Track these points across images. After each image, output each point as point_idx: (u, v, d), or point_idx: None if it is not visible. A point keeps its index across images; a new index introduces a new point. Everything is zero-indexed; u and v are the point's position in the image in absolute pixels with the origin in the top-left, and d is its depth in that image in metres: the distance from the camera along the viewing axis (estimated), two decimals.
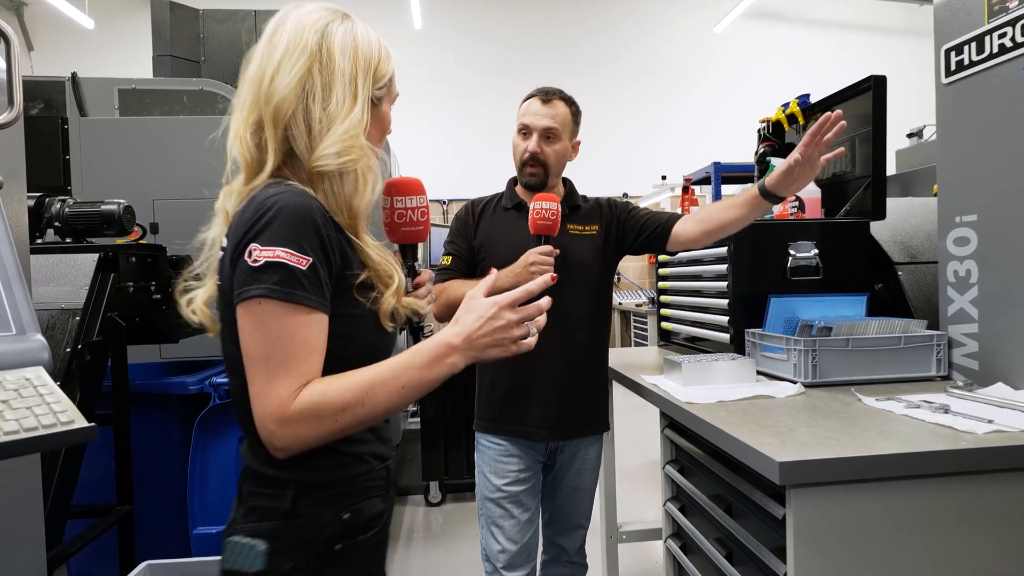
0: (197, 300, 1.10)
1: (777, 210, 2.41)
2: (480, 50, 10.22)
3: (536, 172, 2.06)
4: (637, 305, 8.46)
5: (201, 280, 1.12)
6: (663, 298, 2.97)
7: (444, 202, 9.90)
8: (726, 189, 4.86)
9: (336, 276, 1.02)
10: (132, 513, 2.49)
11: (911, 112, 4.86)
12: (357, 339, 1.06)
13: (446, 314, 1.94)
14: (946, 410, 1.47)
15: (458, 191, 9.73)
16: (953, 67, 1.90)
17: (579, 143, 2.15)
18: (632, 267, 9.99)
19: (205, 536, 2.69)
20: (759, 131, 2.93)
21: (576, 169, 2.18)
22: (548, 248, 1.91)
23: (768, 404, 1.66)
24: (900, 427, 1.39)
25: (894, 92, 2.31)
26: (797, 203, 2.36)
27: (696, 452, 1.85)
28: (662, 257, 2.90)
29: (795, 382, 1.85)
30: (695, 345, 2.70)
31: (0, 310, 1.03)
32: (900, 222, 2.40)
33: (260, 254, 0.94)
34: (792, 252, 2.20)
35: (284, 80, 1.02)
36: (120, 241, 2.77)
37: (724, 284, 2.31)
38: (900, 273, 2.25)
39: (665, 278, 2.96)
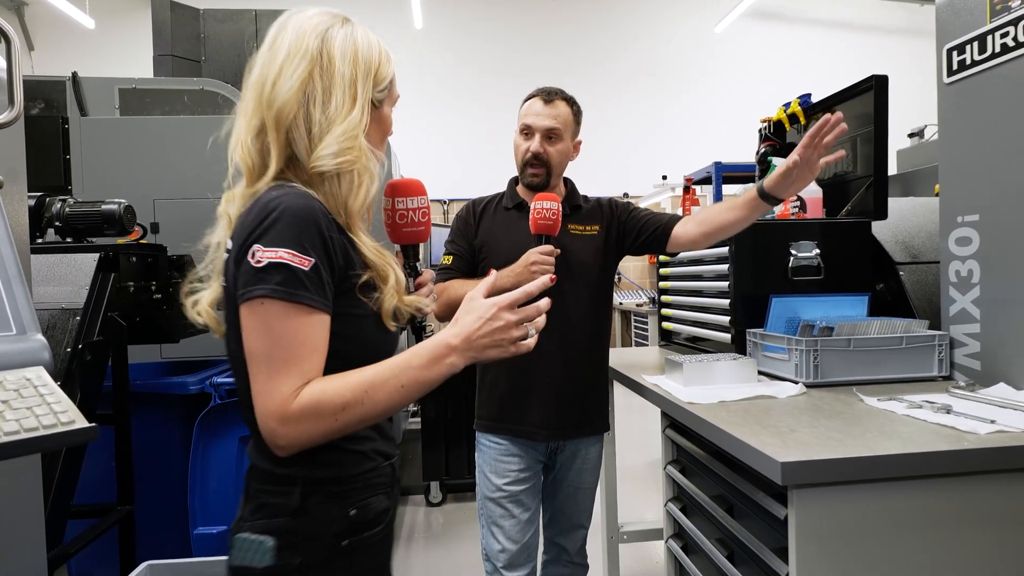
0: (202, 302, 1.11)
1: (778, 210, 2.41)
2: (480, 50, 10.22)
3: (538, 173, 2.06)
4: (638, 305, 8.46)
5: (206, 282, 1.13)
6: (664, 298, 2.97)
7: (445, 202, 9.90)
8: (727, 189, 4.86)
9: (339, 276, 1.04)
10: (133, 513, 2.49)
11: (912, 112, 4.87)
12: (361, 339, 1.07)
13: (447, 314, 1.94)
14: (948, 410, 1.47)
15: (458, 191, 9.73)
16: (955, 67, 1.90)
17: (580, 143, 2.15)
18: (633, 267, 9.99)
19: (206, 536, 2.69)
20: (760, 131, 2.93)
21: (576, 169, 2.18)
22: (549, 248, 1.91)
23: (770, 404, 1.66)
24: (902, 427, 1.39)
25: (895, 92, 2.31)
26: (798, 203, 2.36)
27: (697, 452, 1.85)
28: (663, 257, 2.89)
29: (796, 382, 1.85)
30: (696, 345, 2.70)
31: (0, 310, 1.03)
32: (901, 222, 2.40)
33: (263, 255, 0.96)
34: (793, 252, 2.19)
35: (286, 85, 1.04)
36: (121, 241, 2.77)
37: (725, 284, 2.31)
38: (901, 273, 2.24)
39: (666, 278, 2.95)
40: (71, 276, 2.33)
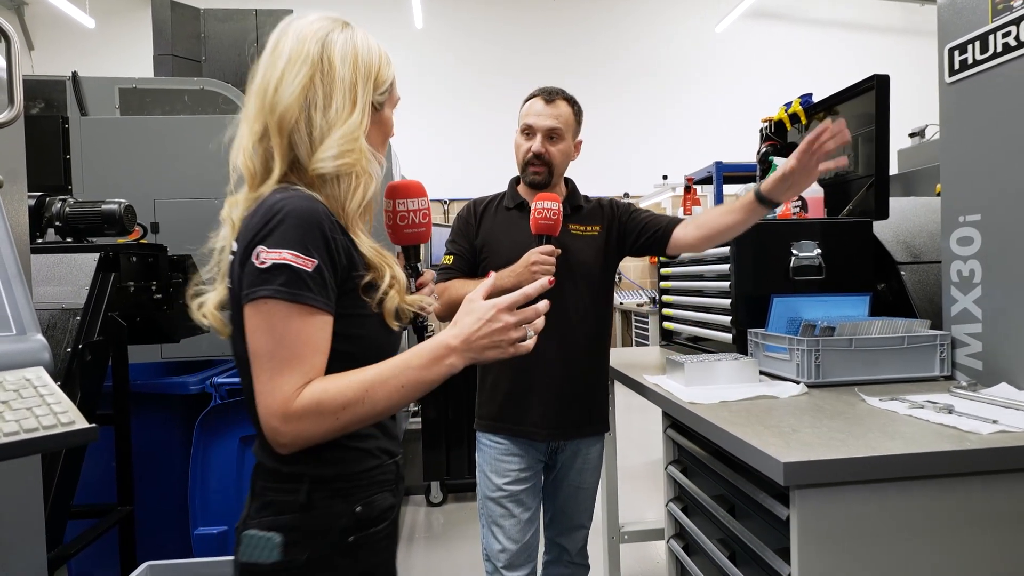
0: (208, 304, 1.13)
1: (780, 210, 2.40)
2: (481, 50, 10.22)
3: (540, 170, 2.06)
4: (638, 305, 8.46)
5: (211, 285, 1.15)
6: (665, 298, 2.96)
7: (445, 202, 9.90)
8: (728, 189, 4.85)
9: (342, 277, 1.05)
10: (133, 513, 2.49)
11: (912, 111, 4.86)
12: (365, 338, 1.09)
13: (448, 314, 1.94)
14: (950, 410, 1.47)
15: (459, 191, 9.73)
16: (957, 66, 1.89)
17: (581, 142, 2.15)
18: (633, 267, 9.98)
19: (206, 536, 2.68)
20: (761, 130, 2.93)
21: (577, 169, 2.18)
22: (550, 248, 1.91)
23: (771, 404, 1.65)
24: (904, 427, 1.39)
25: (895, 92, 2.30)
26: (800, 203, 2.35)
27: (699, 452, 1.84)
28: (663, 258, 2.89)
29: (798, 382, 1.84)
30: (697, 345, 2.69)
31: (0, 310, 1.02)
32: (903, 222, 2.39)
33: (267, 256, 0.97)
34: (795, 252, 2.19)
35: (288, 90, 1.06)
36: (121, 241, 2.77)
37: (726, 284, 2.31)
38: (903, 273, 2.24)
39: (667, 278, 2.95)
40: (71, 276, 2.32)
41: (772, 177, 1.75)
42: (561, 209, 1.91)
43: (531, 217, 1.91)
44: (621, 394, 2.62)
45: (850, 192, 2.43)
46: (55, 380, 0.97)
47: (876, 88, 2.28)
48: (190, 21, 4.25)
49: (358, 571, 1.10)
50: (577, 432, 2.10)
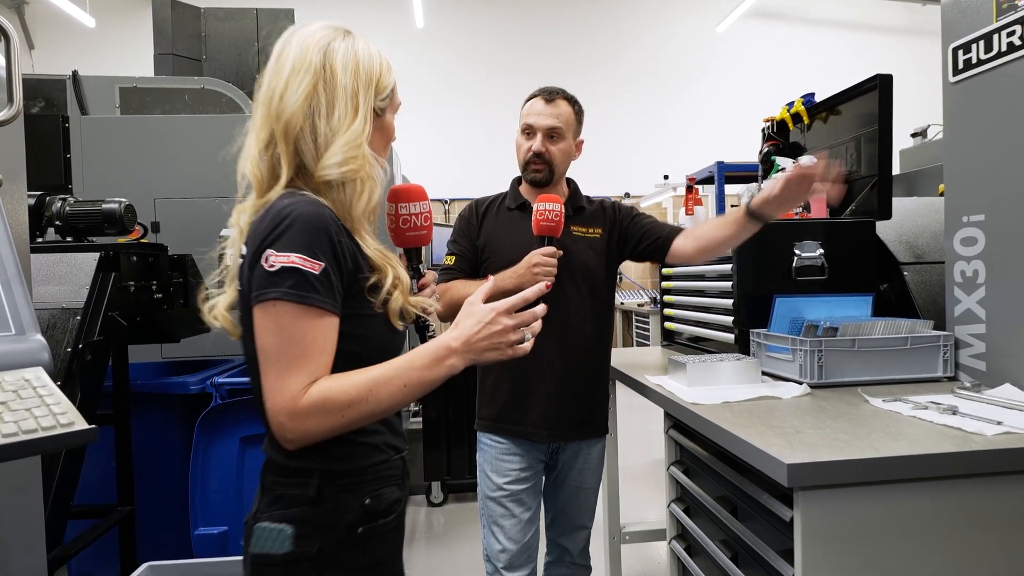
0: (219, 306, 1.16)
1: None
2: (481, 49, 10.21)
3: (541, 168, 2.06)
4: (639, 305, 8.46)
5: (222, 288, 1.19)
6: (667, 298, 2.96)
7: (446, 201, 9.90)
8: (729, 188, 4.85)
9: (348, 279, 1.09)
10: (133, 514, 2.48)
11: (913, 111, 4.85)
12: (370, 338, 1.12)
13: (449, 314, 1.93)
14: (954, 411, 1.46)
15: (459, 190, 9.72)
16: (961, 65, 1.88)
17: (582, 142, 2.15)
18: (634, 267, 9.97)
19: (207, 536, 2.67)
20: (763, 130, 2.92)
21: (578, 169, 2.18)
22: (551, 249, 1.90)
23: (774, 405, 1.65)
24: (908, 428, 1.38)
25: (897, 91, 2.30)
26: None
27: (701, 453, 1.84)
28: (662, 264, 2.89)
29: (801, 383, 1.83)
30: (699, 345, 2.68)
31: None
32: (905, 222, 2.38)
33: (276, 259, 1.01)
34: (797, 252, 2.18)
35: (292, 98, 1.09)
36: (121, 240, 2.76)
37: (729, 284, 2.30)
38: (906, 273, 2.23)
39: (669, 278, 2.94)
40: (71, 275, 2.32)
41: (761, 196, 1.77)
42: (563, 211, 1.91)
43: (533, 218, 1.91)
44: (622, 394, 2.61)
45: (853, 192, 2.42)
46: (55, 380, 0.97)
47: (879, 88, 2.28)
48: (191, 20, 4.24)
49: (367, 562, 1.13)
50: (577, 433, 2.09)
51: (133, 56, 7.92)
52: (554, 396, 2.03)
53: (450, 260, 2.12)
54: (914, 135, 4.66)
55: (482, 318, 1.06)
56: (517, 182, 2.18)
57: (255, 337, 1.04)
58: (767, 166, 2.71)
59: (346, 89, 1.12)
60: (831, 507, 1.20)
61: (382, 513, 1.15)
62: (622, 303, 8.82)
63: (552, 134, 2.04)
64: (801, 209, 2.36)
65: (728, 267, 2.29)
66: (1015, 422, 1.36)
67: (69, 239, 2.65)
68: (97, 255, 2.38)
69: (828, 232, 2.21)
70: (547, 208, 1.88)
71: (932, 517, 1.24)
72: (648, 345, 7.63)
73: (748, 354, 2.13)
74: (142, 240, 2.97)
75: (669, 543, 2.12)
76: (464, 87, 10.14)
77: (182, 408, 2.85)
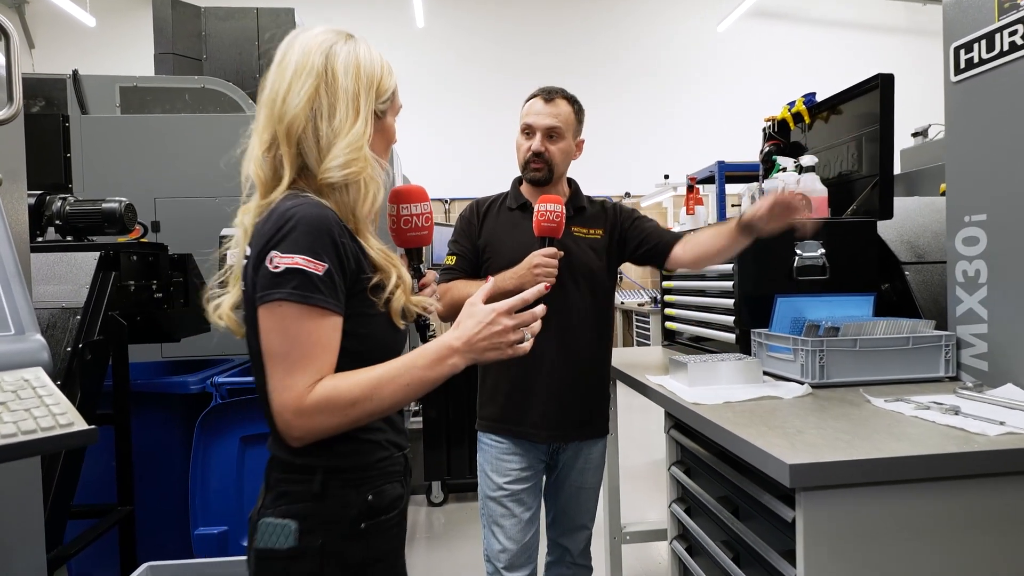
0: (224, 306, 1.19)
1: None
2: (482, 49, 10.21)
3: (540, 168, 2.06)
4: (639, 304, 8.45)
5: (225, 287, 1.21)
6: (668, 298, 2.95)
7: (446, 201, 9.89)
8: (730, 188, 4.84)
9: (351, 279, 1.11)
10: (133, 513, 2.48)
11: (913, 111, 4.84)
12: (373, 337, 1.15)
13: (450, 314, 1.93)
14: (956, 411, 1.46)
15: (459, 190, 9.72)
16: (962, 65, 1.88)
17: (583, 141, 2.14)
18: (634, 266, 9.95)
19: (207, 536, 2.67)
20: (764, 129, 2.91)
21: (578, 169, 2.17)
22: (552, 250, 1.90)
23: (775, 405, 1.64)
24: (910, 429, 1.38)
25: (897, 91, 2.30)
26: (803, 202, 2.34)
27: (702, 453, 1.83)
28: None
29: (802, 383, 1.83)
30: (700, 345, 2.68)
31: None
32: (907, 221, 2.38)
33: (281, 261, 1.04)
34: (799, 251, 2.18)
35: (294, 100, 1.11)
36: (121, 239, 2.76)
37: (730, 284, 2.29)
38: (907, 273, 2.23)
39: (670, 277, 2.94)
40: (71, 275, 2.32)
41: (751, 212, 1.80)
42: (564, 211, 1.90)
43: (534, 219, 1.90)
44: (622, 394, 2.61)
45: (854, 192, 2.42)
46: (55, 380, 0.96)
47: (880, 87, 2.27)
48: (191, 19, 4.24)
49: (369, 557, 1.15)
50: (577, 434, 2.09)
51: (133, 55, 7.92)
52: (554, 396, 2.03)
53: (451, 260, 2.12)
54: (915, 135, 4.65)
55: (483, 319, 1.09)
56: (518, 182, 2.18)
57: (260, 337, 1.06)
58: (768, 165, 2.70)
59: (347, 92, 1.14)
60: (833, 508, 1.20)
61: (384, 509, 1.17)
62: (622, 303, 8.81)
63: (551, 134, 2.04)
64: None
65: (729, 267, 2.28)
66: (1018, 422, 1.36)
67: (69, 238, 2.64)
68: (97, 254, 2.38)
69: (829, 232, 2.21)
70: (548, 209, 1.88)
71: (935, 518, 1.23)
72: (648, 345, 7.63)
73: (749, 354, 2.13)
74: (142, 239, 2.96)
75: (670, 543, 2.11)
76: (464, 87, 10.14)
77: (182, 408, 2.85)
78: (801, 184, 2.37)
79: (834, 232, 2.22)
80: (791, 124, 2.80)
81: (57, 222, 2.60)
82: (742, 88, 10.26)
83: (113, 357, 2.41)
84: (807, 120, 2.72)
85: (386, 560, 1.20)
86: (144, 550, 2.53)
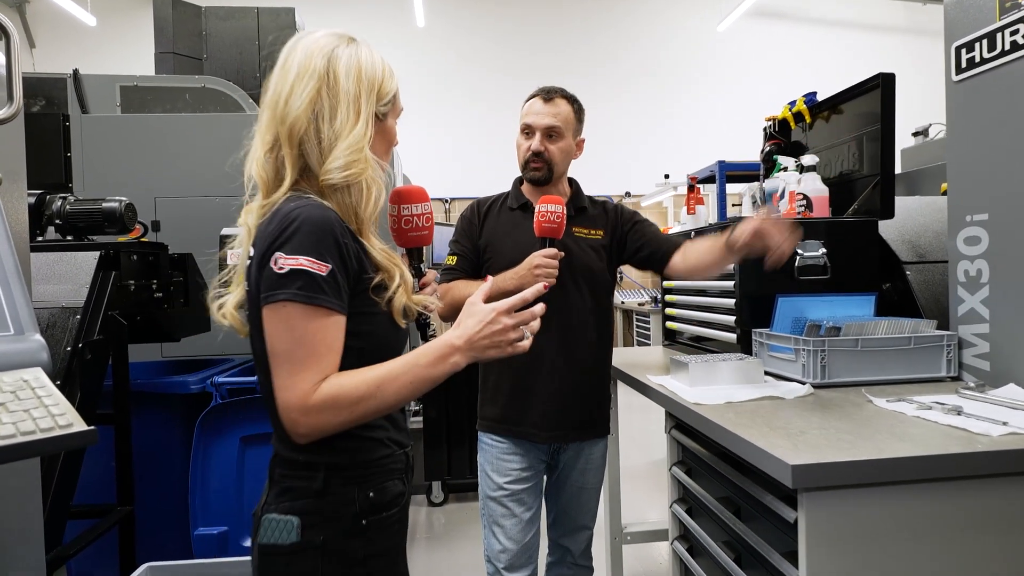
0: (228, 305, 1.21)
1: (784, 209, 2.39)
2: (482, 49, 10.20)
3: (540, 167, 2.06)
4: (639, 304, 8.44)
5: (227, 287, 1.24)
6: (668, 297, 2.95)
7: (446, 200, 9.88)
8: (731, 188, 4.83)
9: (353, 279, 1.13)
10: (133, 514, 2.47)
11: (914, 111, 4.83)
12: (375, 336, 1.17)
13: (451, 314, 1.93)
14: (959, 412, 1.45)
15: (460, 190, 9.71)
16: (964, 64, 1.88)
17: (583, 140, 2.14)
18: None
19: (206, 537, 2.66)
20: (765, 129, 2.91)
21: (578, 169, 2.17)
22: (553, 251, 1.90)
23: (777, 405, 1.64)
24: (913, 429, 1.37)
25: (897, 91, 2.29)
26: (805, 202, 2.34)
27: (703, 454, 1.83)
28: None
29: (804, 383, 1.83)
30: (701, 345, 2.67)
31: None
32: (908, 221, 2.38)
33: (285, 262, 1.06)
34: (800, 251, 2.17)
35: (296, 102, 1.14)
36: (121, 239, 2.76)
37: (731, 283, 2.29)
38: (908, 272, 2.22)
39: (671, 277, 2.93)
40: (71, 274, 2.31)
41: (735, 235, 1.81)
42: (565, 212, 1.90)
43: (535, 220, 1.90)
44: (622, 394, 2.61)
45: (855, 191, 2.42)
46: (54, 379, 0.96)
47: (882, 87, 2.27)
48: (192, 19, 4.23)
49: (370, 552, 1.17)
50: (578, 434, 2.09)
51: (134, 55, 7.91)
52: (555, 396, 2.03)
53: (452, 260, 2.12)
54: (915, 134, 4.64)
55: (483, 318, 1.11)
56: (519, 182, 2.18)
57: (265, 337, 1.08)
58: (769, 165, 2.70)
59: (348, 94, 1.15)
60: (836, 508, 1.20)
61: (385, 506, 1.19)
62: (622, 303, 8.81)
63: (551, 133, 2.04)
64: (804, 208, 2.34)
65: (730, 267, 2.27)
66: (1020, 422, 1.35)
67: (69, 238, 2.64)
68: (97, 254, 2.38)
69: (831, 231, 2.21)
70: (548, 210, 1.87)
71: (938, 519, 1.23)
72: (648, 345, 7.63)
73: (750, 354, 2.13)
74: (142, 239, 2.96)
75: (671, 544, 2.11)
76: (464, 87, 10.13)
77: (182, 407, 2.84)
78: (802, 184, 2.37)
79: (835, 232, 2.21)
80: (792, 123, 2.80)
81: (57, 221, 2.60)
82: (742, 88, 10.25)
83: (113, 357, 2.41)
84: (808, 119, 2.72)
85: (387, 556, 1.22)
86: (144, 550, 2.52)
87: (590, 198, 2.20)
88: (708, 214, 3.87)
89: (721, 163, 4.71)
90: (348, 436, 1.13)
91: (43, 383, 0.91)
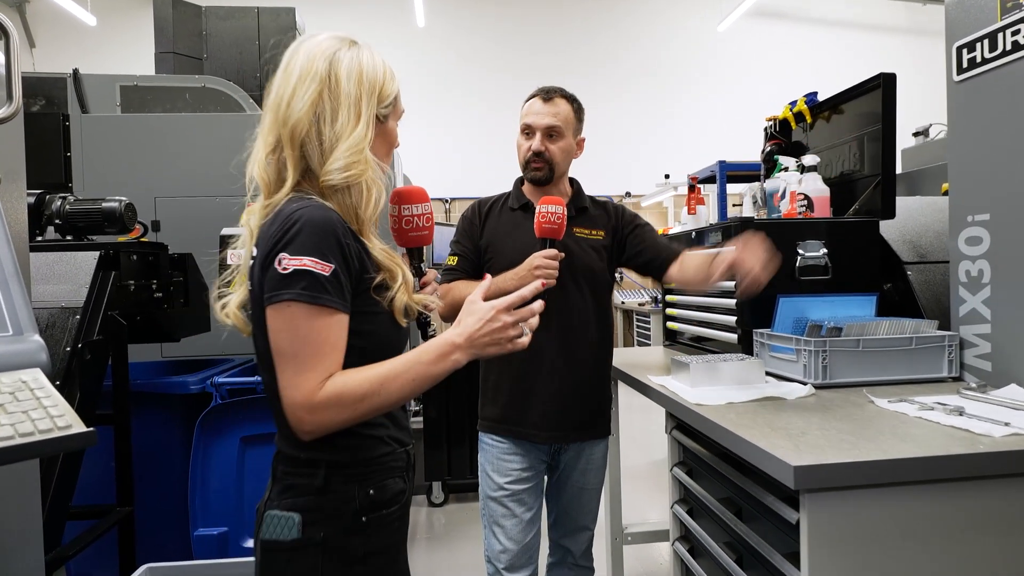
0: (231, 305, 1.23)
1: (785, 209, 2.39)
2: (482, 49, 10.20)
3: (540, 167, 2.05)
4: (640, 304, 8.44)
5: (229, 287, 1.25)
6: (669, 297, 2.94)
7: (446, 201, 9.88)
8: (732, 188, 4.83)
9: (355, 279, 1.15)
10: (132, 514, 2.47)
11: (914, 111, 4.83)
12: (376, 334, 1.18)
13: (452, 314, 1.92)
14: (961, 412, 1.45)
15: (460, 190, 9.71)
16: (965, 64, 1.87)
17: (584, 139, 2.14)
18: None
19: (206, 538, 2.66)
20: (766, 129, 2.91)
21: (578, 169, 2.17)
22: (553, 252, 1.89)
23: (779, 406, 1.64)
24: (915, 429, 1.37)
25: (897, 90, 2.29)
26: (806, 202, 2.33)
27: (704, 454, 1.83)
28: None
29: (805, 383, 1.82)
30: (701, 345, 2.67)
31: None
32: (908, 221, 2.37)
33: (289, 262, 1.07)
34: (801, 251, 2.17)
35: (298, 104, 1.15)
36: (121, 239, 2.75)
37: (732, 284, 2.28)
38: (909, 273, 2.22)
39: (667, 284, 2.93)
40: (71, 274, 2.31)
41: (715, 263, 1.82)
42: (565, 213, 1.90)
43: (535, 221, 1.90)
44: (622, 394, 2.60)
45: (856, 191, 2.41)
46: (54, 380, 0.96)
47: (883, 87, 2.27)
48: (192, 19, 4.23)
49: (370, 549, 1.19)
50: (578, 435, 2.09)
51: (134, 54, 7.91)
52: (555, 397, 2.02)
53: (453, 260, 2.11)
54: (916, 134, 4.64)
55: (483, 315, 1.13)
56: (520, 182, 2.18)
57: (269, 336, 1.10)
58: (770, 165, 2.69)
59: (349, 96, 1.17)
60: (838, 509, 1.19)
61: (386, 503, 1.21)
62: (622, 303, 8.80)
63: (551, 132, 2.04)
64: (805, 208, 2.34)
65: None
66: (1022, 423, 1.35)
67: (69, 238, 2.64)
68: (97, 254, 2.37)
69: (831, 232, 2.20)
70: (549, 211, 1.87)
71: (941, 520, 1.22)
72: (649, 345, 7.62)
73: (751, 354, 2.12)
74: (142, 239, 2.96)
75: (672, 544, 2.11)
76: (464, 87, 10.13)
77: (182, 408, 2.84)
78: (803, 184, 2.37)
79: (836, 232, 2.21)
80: (793, 124, 2.80)
81: (57, 221, 2.60)
82: (742, 88, 10.25)
83: (113, 357, 2.40)
84: (809, 119, 2.72)
85: (387, 553, 1.23)
86: (143, 551, 2.52)
87: (591, 198, 2.19)
88: (709, 214, 3.87)
89: (722, 163, 4.70)
90: (349, 434, 1.15)
91: (42, 384, 0.90)
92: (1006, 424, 1.35)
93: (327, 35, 1.22)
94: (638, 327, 8.40)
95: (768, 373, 1.97)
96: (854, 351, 1.86)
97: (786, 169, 2.53)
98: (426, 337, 1.23)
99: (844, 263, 2.19)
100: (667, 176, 7.86)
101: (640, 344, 8.14)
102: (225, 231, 2.65)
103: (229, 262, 1.25)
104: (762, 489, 1.44)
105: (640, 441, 5.38)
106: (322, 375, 1.07)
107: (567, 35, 10.28)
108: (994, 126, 1.80)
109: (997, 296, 1.80)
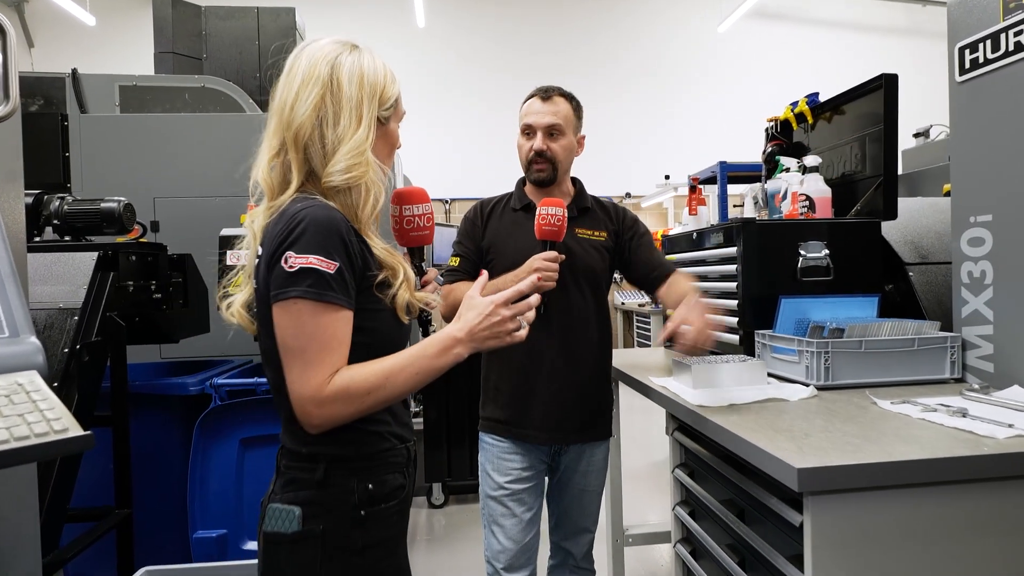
0: (236, 303, 1.27)
1: (787, 209, 2.38)
2: (482, 49, 10.19)
3: (543, 167, 2.05)
4: (640, 305, 8.43)
5: (237, 287, 1.30)
6: None
7: (447, 201, 9.87)
8: (732, 188, 4.82)
9: (359, 277, 1.18)
10: (131, 516, 2.46)
11: (914, 112, 4.83)
12: (379, 331, 1.22)
13: (452, 315, 1.92)
14: (964, 414, 1.44)
15: (460, 190, 9.71)
16: (967, 65, 1.86)
17: (584, 137, 2.14)
18: None
19: (205, 540, 2.65)
20: (767, 130, 2.90)
21: (579, 169, 2.17)
22: (553, 254, 1.89)
23: (781, 407, 1.63)
24: (918, 431, 1.36)
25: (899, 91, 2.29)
26: (807, 203, 2.32)
27: (706, 456, 1.82)
28: (668, 256, 2.86)
29: (807, 384, 1.81)
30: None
31: None
32: (910, 222, 2.37)
33: (295, 261, 1.10)
34: (802, 252, 2.16)
35: (301, 108, 1.19)
36: (120, 239, 2.74)
37: (733, 284, 2.27)
38: (911, 274, 2.21)
39: None
40: (69, 275, 2.30)
41: (666, 326, 1.77)
42: (566, 215, 1.89)
43: (536, 223, 1.89)
44: (623, 395, 2.59)
45: (858, 192, 2.40)
46: (52, 381, 0.95)
47: (884, 88, 2.26)
48: (191, 19, 4.22)
49: (369, 542, 1.21)
50: (579, 437, 2.08)
51: (133, 54, 7.91)
52: (556, 398, 2.02)
53: (454, 261, 2.11)
54: (916, 135, 4.64)
55: (483, 310, 1.18)
56: (522, 183, 2.17)
57: (276, 333, 1.13)
58: (771, 166, 2.68)
59: (351, 100, 1.20)
60: (842, 512, 1.19)
61: (385, 498, 1.23)
62: (623, 303, 8.80)
63: (552, 131, 2.03)
64: (806, 209, 2.33)
65: (733, 268, 2.26)
66: None
67: (67, 238, 2.63)
68: (95, 254, 2.36)
69: (833, 232, 2.19)
70: (549, 213, 1.86)
71: (945, 522, 1.22)
72: (649, 346, 7.61)
73: (753, 355, 2.11)
74: (141, 239, 2.95)
75: (674, 546, 2.10)
76: (464, 87, 10.12)
77: (181, 409, 2.83)
78: (805, 184, 2.36)
79: (838, 233, 2.20)
80: (794, 124, 2.79)
81: (55, 222, 2.59)
82: (742, 88, 10.24)
83: (111, 358, 2.39)
84: (810, 120, 2.71)
85: (386, 546, 1.25)
86: (142, 553, 2.51)
87: (594, 198, 2.19)
88: (710, 215, 3.86)
89: (722, 164, 4.70)
90: (351, 429, 1.18)
91: (38, 387, 0.89)
92: (1010, 426, 1.34)
93: (329, 40, 1.24)
94: (638, 328, 8.40)
95: (770, 374, 1.97)
96: (856, 352, 1.85)
97: (787, 170, 2.52)
98: (427, 334, 1.25)
99: (846, 264, 2.18)
100: (667, 177, 7.87)
101: (640, 345, 8.14)
102: (224, 232, 2.63)
103: (229, 262, 1.26)
104: (764, 491, 1.43)
105: (641, 442, 5.37)
106: (329, 370, 1.10)
107: (567, 35, 10.28)
108: (996, 127, 1.79)
109: (999, 297, 1.79)
